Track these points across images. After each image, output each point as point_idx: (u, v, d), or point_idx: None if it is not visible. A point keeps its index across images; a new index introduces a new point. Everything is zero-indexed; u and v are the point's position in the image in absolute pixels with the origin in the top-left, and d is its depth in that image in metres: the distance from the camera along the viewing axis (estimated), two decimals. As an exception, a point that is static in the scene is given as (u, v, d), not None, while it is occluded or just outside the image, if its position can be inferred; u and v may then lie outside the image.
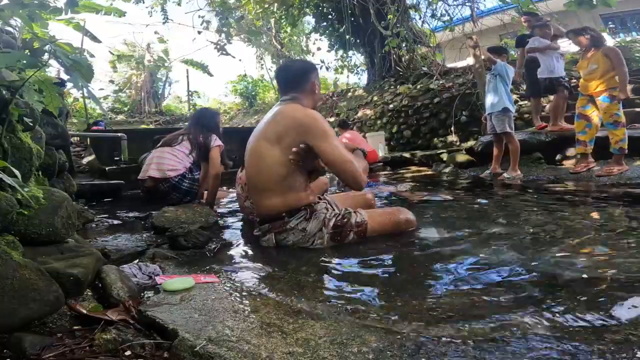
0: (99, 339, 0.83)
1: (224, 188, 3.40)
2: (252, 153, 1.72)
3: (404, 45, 7.85)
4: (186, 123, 3.04)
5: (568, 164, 3.83)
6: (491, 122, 3.91)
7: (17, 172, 1.04)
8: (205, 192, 2.80)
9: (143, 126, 11.18)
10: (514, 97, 4.60)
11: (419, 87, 6.88)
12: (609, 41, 7.68)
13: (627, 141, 3.20)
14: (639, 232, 1.61)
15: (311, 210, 1.68)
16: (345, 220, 1.67)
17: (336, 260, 1.48)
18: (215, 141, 2.73)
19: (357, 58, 10.11)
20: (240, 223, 2.34)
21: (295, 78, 1.78)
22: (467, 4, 7.63)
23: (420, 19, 8.58)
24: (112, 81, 14.81)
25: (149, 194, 2.77)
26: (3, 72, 1.12)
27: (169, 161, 2.69)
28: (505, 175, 3.74)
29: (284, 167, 1.61)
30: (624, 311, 0.91)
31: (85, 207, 2.51)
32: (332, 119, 8.20)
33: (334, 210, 1.78)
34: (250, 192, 1.86)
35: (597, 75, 3.26)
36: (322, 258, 1.51)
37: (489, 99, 3.91)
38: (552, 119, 4.30)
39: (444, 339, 0.82)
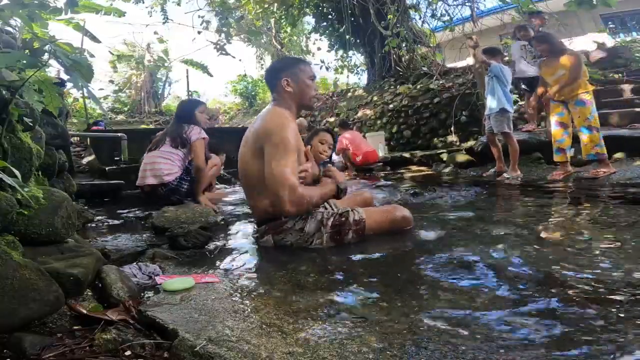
0: (99, 339, 0.83)
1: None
2: (239, 156, 1.76)
3: (404, 45, 7.85)
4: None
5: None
6: (489, 123, 3.94)
7: (17, 172, 1.04)
8: (207, 192, 2.80)
9: (143, 126, 11.18)
10: (514, 97, 4.63)
11: (419, 87, 6.88)
12: (609, 41, 7.70)
13: (603, 146, 3.15)
14: (637, 232, 1.61)
15: None
16: (344, 219, 1.67)
17: (336, 260, 1.48)
18: (198, 134, 2.69)
19: (357, 58, 10.13)
20: (240, 223, 2.33)
21: (267, 81, 1.82)
22: (467, 4, 7.63)
23: (420, 19, 8.59)
24: (112, 81, 14.81)
25: (149, 198, 2.75)
26: (3, 72, 1.12)
27: (163, 165, 2.65)
28: (505, 175, 3.75)
29: (258, 171, 1.62)
30: (623, 311, 0.91)
31: (85, 207, 2.51)
32: (332, 119, 8.20)
33: (332, 209, 1.78)
34: (245, 195, 1.86)
35: (566, 80, 3.24)
36: (322, 258, 1.51)
37: (488, 100, 3.95)
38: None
39: (444, 339, 0.82)
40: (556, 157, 3.48)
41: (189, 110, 2.87)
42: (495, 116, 3.81)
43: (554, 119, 3.47)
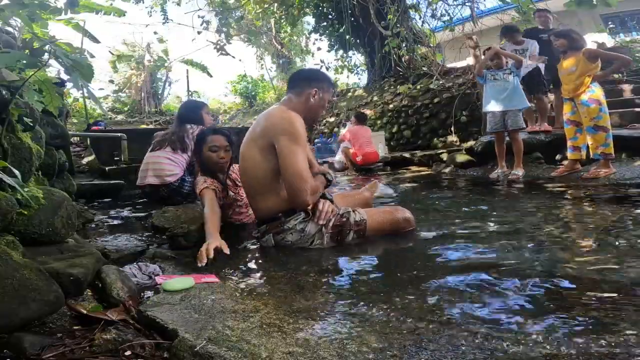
0: (99, 339, 0.83)
1: None
2: (241, 156, 1.75)
3: (404, 45, 7.84)
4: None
5: (568, 164, 3.82)
6: (501, 119, 3.91)
7: (17, 172, 1.04)
8: None
9: (143, 126, 11.18)
10: None
11: (419, 87, 6.88)
12: (609, 41, 7.69)
13: (611, 146, 3.11)
14: (637, 232, 1.61)
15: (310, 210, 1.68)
16: (345, 219, 1.67)
17: (336, 260, 1.48)
18: None
19: (357, 58, 10.12)
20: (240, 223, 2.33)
21: (294, 81, 1.80)
22: (467, 4, 7.62)
23: (420, 19, 8.58)
24: (112, 81, 14.83)
25: (150, 199, 2.75)
26: (3, 72, 1.13)
27: (166, 166, 2.63)
28: (514, 172, 3.75)
29: (265, 169, 1.62)
30: (623, 310, 0.91)
31: (85, 207, 2.51)
32: (332, 119, 8.21)
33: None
34: (245, 194, 1.86)
35: (574, 78, 3.23)
36: (322, 258, 1.51)
37: (509, 96, 3.87)
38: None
39: (444, 339, 0.82)
40: (570, 155, 3.45)
41: (195, 111, 2.87)
42: (516, 112, 3.83)
43: (565, 117, 3.46)
